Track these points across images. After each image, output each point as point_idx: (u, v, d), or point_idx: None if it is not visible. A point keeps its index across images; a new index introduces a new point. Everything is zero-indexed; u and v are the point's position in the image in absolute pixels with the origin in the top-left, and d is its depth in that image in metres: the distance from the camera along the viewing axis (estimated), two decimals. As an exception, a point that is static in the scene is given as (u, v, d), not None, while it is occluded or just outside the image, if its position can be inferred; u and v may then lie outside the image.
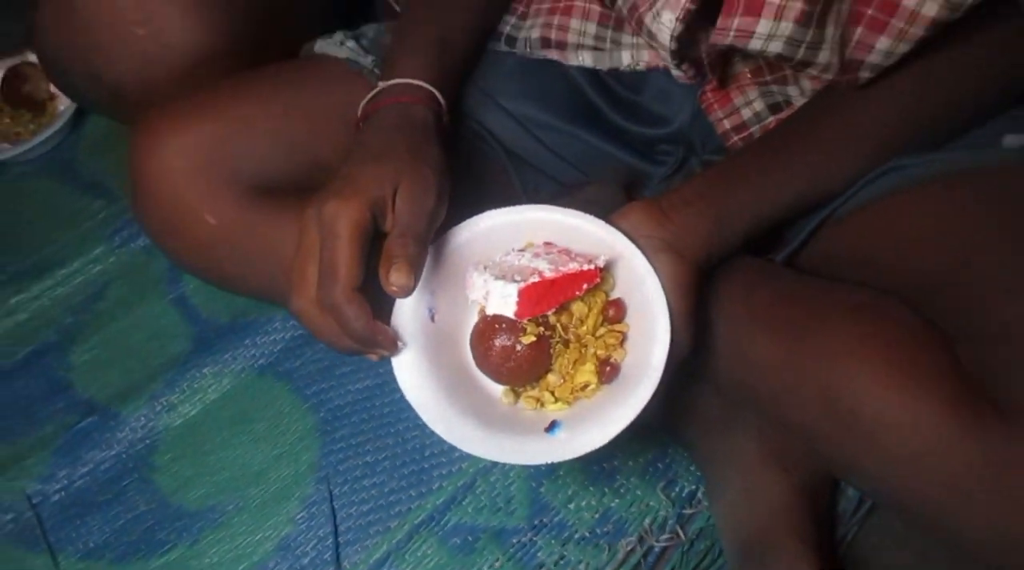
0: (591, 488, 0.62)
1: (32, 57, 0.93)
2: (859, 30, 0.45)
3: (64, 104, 0.92)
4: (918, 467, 0.42)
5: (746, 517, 0.53)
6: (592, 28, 0.60)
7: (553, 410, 0.48)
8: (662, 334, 0.47)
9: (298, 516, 0.64)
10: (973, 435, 0.40)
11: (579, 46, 0.60)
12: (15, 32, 1.01)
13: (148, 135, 0.55)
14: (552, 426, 0.47)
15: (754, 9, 0.44)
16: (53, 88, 0.92)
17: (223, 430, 0.69)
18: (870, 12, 0.44)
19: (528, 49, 0.62)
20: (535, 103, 0.62)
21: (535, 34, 0.61)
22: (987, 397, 0.41)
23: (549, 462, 0.45)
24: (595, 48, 0.60)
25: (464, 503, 0.62)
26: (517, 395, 0.49)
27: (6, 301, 0.79)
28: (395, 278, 0.41)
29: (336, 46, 0.60)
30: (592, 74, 0.62)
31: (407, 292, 0.42)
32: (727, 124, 0.59)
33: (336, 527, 0.62)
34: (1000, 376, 0.41)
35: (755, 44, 0.45)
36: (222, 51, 0.60)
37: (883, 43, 0.44)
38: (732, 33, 0.45)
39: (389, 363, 0.47)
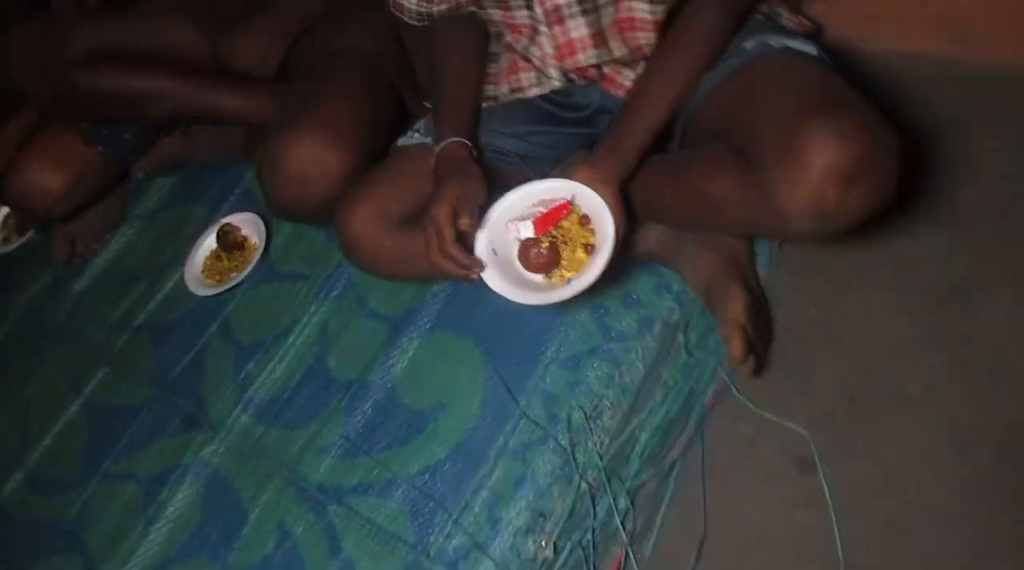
0: (625, 308, 1.10)
1: (225, 218, 1.48)
2: (627, 34, 0.94)
3: (254, 239, 1.46)
4: (743, 206, 0.88)
5: (700, 280, 1.01)
6: (533, 74, 1.09)
7: (569, 276, 0.94)
8: (610, 223, 0.92)
9: (483, 399, 1.10)
10: (751, 182, 0.85)
11: (530, 86, 1.10)
12: (196, 214, 1.57)
13: (343, 215, 1.06)
14: (569, 281, 0.94)
15: (572, 51, 0.94)
16: (244, 232, 1.47)
17: (424, 366, 1.18)
18: (624, 25, 0.93)
19: (504, 98, 1.12)
20: (520, 122, 1.11)
21: (504, 89, 1.11)
22: (756, 165, 0.86)
23: (576, 293, 0.91)
24: (538, 84, 1.09)
25: (568, 342, 1.10)
26: (550, 277, 0.95)
27: (277, 353, 1.31)
28: (462, 223, 0.90)
29: (410, 139, 1.12)
30: (544, 96, 1.11)
31: (473, 229, 0.91)
32: (621, 93, 1.07)
33: (509, 389, 1.10)
34: (756, 153, 0.85)
35: (588, 62, 0.95)
36: (359, 165, 1.13)
37: (640, 35, 0.93)
38: (575, 63, 0.95)
39: (485, 285, 0.95)
